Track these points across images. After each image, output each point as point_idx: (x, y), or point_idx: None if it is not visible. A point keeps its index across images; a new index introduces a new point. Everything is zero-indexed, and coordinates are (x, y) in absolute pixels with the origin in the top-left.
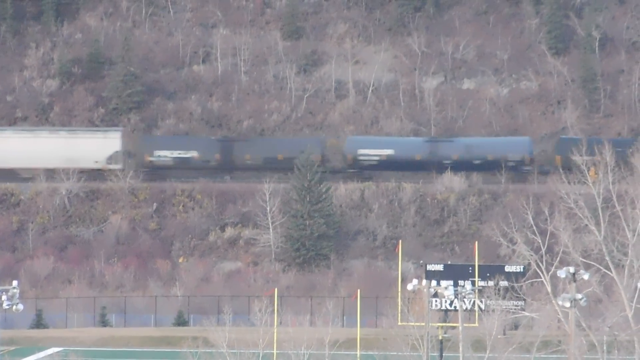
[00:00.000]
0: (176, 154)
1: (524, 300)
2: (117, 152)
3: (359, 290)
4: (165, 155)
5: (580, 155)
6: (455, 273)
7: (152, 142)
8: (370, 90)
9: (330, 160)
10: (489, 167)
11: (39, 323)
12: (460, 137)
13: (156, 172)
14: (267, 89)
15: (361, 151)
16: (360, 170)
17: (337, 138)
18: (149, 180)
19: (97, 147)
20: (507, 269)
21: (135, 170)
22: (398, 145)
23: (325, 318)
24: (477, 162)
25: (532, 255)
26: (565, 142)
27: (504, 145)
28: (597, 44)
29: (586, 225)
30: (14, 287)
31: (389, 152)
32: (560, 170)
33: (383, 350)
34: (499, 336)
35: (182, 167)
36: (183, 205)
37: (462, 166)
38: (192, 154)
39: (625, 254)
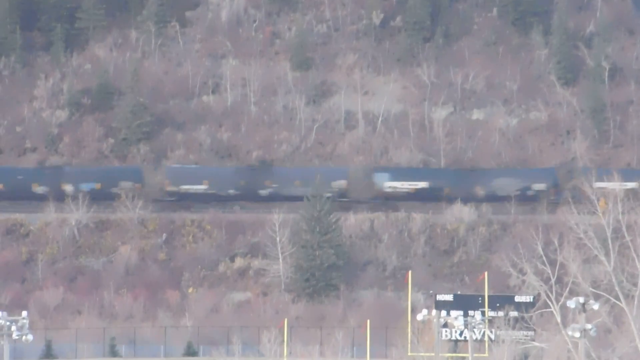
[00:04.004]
0: None
1: (534, 330)
2: None
3: (368, 321)
4: None
5: (591, 186)
6: (465, 303)
7: None
8: (379, 121)
9: None
10: None
11: (48, 354)
12: None
13: None
14: (277, 120)
15: None
16: None
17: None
18: (159, 211)
19: None
20: (517, 299)
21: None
22: None
23: (335, 349)
24: None
25: (541, 285)
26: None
27: None
28: (606, 74)
29: (596, 255)
30: (24, 318)
31: None
32: None
33: None
34: None
35: None
36: (192, 236)
37: None
38: None
39: (635, 284)
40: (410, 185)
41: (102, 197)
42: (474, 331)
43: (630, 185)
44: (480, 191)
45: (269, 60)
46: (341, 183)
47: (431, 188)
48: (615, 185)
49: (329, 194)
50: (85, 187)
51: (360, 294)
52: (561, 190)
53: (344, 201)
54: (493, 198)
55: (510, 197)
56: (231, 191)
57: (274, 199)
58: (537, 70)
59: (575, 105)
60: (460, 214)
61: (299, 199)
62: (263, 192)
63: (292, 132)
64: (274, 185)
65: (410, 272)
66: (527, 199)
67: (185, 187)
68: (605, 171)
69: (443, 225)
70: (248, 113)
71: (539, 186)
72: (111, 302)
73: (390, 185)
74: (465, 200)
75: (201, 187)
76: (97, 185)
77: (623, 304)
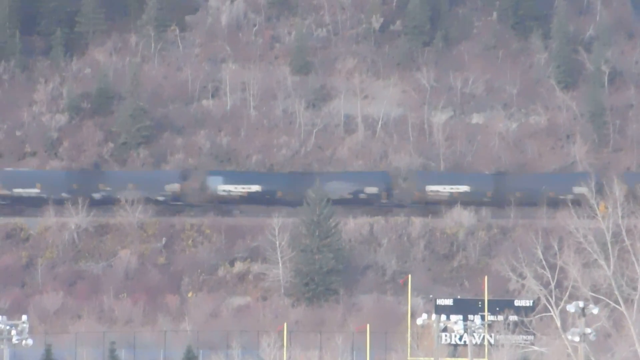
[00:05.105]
0: None
1: (534, 334)
2: None
3: (368, 325)
4: None
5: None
6: (465, 307)
7: None
8: (379, 125)
9: None
10: None
11: (48, 358)
12: None
13: None
14: (276, 124)
15: None
16: None
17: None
18: (158, 215)
19: None
20: (517, 303)
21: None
22: None
23: (335, 353)
24: None
25: (541, 289)
26: None
27: None
28: (606, 78)
29: (595, 259)
30: (24, 322)
31: None
32: None
33: None
34: None
35: None
36: (192, 240)
37: None
38: None
39: (635, 289)
40: (243, 188)
41: None
42: (473, 335)
43: (463, 188)
44: (313, 194)
45: (269, 64)
46: (175, 186)
47: (264, 191)
48: (446, 189)
49: (161, 197)
50: None
51: (360, 298)
52: (392, 193)
53: (179, 205)
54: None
55: (343, 200)
56: (64, 194)
57: (108, 202)
58: (537, 74)
59: (575, 109)
60: (459, 218)
61: (133, 202)
62: (96, 196)
63: (291, 137)
64: (108, 189)
65: (410, 275)
66: (360, 202)
67: (18, 191)
68: (605, 175)
69: (442, 229)
70: (247, 117)
71: (371, 189)
72: (111, 306)
73: (223, 188)
74: (297, 204)
75: (34, 191)
76: None
77: (623, 308)
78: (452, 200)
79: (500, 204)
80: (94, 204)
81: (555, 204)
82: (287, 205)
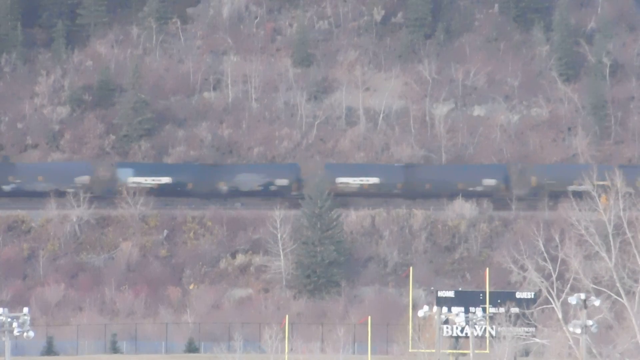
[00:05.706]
0: None
1: (535, 326)
2: None
3: (369, 317)
4: None
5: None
6: (466, 299)
7: None
8: (380, 117)
9: None
10: None
11: (49, 350)
12: None
13: None
14: (278, 116)
15: None
16: None
17: None
18: (160, 207)
19: None
20: (518, 295)
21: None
22: None
23: (336, 345)
24: None
25: (542, 281)
26: None
27: None
28: (607, 70)
29: (597, 252)
30: (25, 314)
31: None
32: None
33: None
34: None
35: None
36: (194, 232)
37: None
38: None
39: (636, 281)
40: (153, 180)
41: None
42: (475, 327)
43: (373, 180)
44: (223, 186)
45: (270, 56)
46: (84, 178)
47: (174, 183)
48: (356, 181)
49: (71, 189)
50: None
51: (362, 290)
52: (303, 185)
53: (91, 197)
54: (237, 193)
55: (253, 192)
56: None
57: (18, 194)
58: (539, 66)
59: (577, 102)
60: (461, 210)
61: (42, 194)
62: (6, 188)
63: (293, 129)
64: (17, 181)
65: (411, 268)
66: (270, 194)
67: None
68: (607, 167)
69: (444, 221)
70: (249, 109)
71: (282, 181)
72: (112, 298)
73: (133, 180)
74: (209, 196)
75: None
76: None
77: (624, 300)
78: (362, 192)
79: (410, 196)
80: (1, 195)
81: (468, 195)
82: (197, 197)
